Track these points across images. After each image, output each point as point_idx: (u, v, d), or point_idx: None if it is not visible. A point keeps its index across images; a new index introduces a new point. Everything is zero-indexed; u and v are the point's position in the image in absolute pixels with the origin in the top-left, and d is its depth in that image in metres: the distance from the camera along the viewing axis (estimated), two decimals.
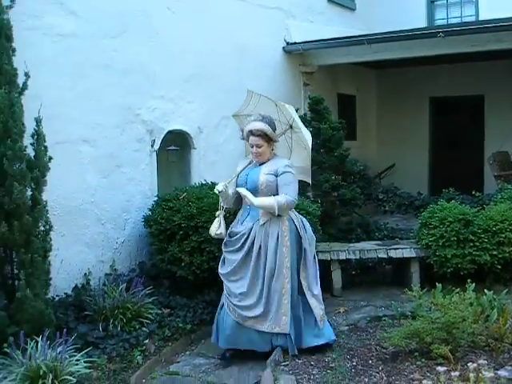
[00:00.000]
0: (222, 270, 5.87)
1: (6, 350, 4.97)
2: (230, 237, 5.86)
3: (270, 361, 5.58)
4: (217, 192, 5.76)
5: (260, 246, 5.64)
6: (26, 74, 5.50)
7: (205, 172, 8.18)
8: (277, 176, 5.66)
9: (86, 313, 6.03)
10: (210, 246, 6.52)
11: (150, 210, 7.06)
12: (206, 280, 6.70)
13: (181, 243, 6.63)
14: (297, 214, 6.01)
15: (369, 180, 11.12)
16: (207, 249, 6.55)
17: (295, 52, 10.03)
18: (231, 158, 8.53)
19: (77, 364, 5.01)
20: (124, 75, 7.06)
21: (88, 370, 5.11)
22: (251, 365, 5.71)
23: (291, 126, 5.99)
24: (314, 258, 6.05)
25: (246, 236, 5.72)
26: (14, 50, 5.44)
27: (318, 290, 5.97)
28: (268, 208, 5.58)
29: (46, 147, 5.47)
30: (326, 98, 9.58)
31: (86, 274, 6.53)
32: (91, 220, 6.70)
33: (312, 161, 8.65)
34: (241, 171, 5.94)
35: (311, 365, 5.59)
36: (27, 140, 5.40)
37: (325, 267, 7.94)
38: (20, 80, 5.45)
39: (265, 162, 5.79)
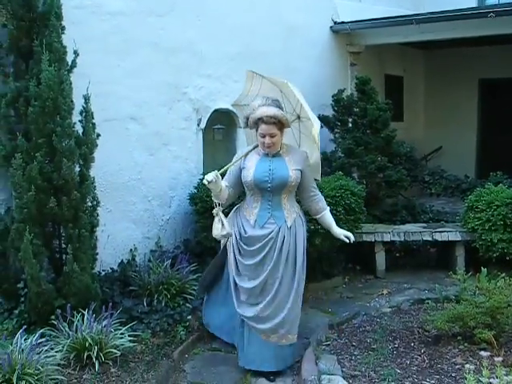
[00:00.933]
0: (243, 283, 5.23)
1: (53, 322, 5.11)
2: (246, 244, 5.20)
3: (312, 340, 5.61)
4: (205, 183, 5.02)
5: (289, 251, 5.15)
6: (75, 52, 5.59)
7: None
8: (302, 170, 5.14)
9: (131, 288, 6.12)
10: None
11: (196, 187, 7.09)
12: None
13: None
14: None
15: (415, 162, 10.98)
16: None
17: (342, 32, 9.91)
18: None
19: (121, 337, 5.13)
20: (171, 54, 7.07)
21: (132, 344, 5.23)
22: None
23: (299, 117, 5.31)
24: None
25: (273, 241, 5.10)
26: (63, 29, 5.53)
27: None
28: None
29: (94, 124, 5.56)
30: (373, 79, 9.47)
31: (131, 249, 6.61)
32: (138, 197, 6.78)
33: (358, 141, 8.69)
34: (238, 160, 5.28)
35: (353, 345, 5.61)
36: (76, 117, 5.49)
37: (369, 249, 7.94)
38: (69, 58, 5.54)
39: (279, 153, 5.14)
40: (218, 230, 5.14)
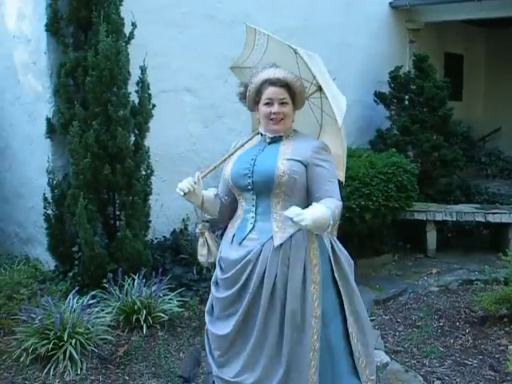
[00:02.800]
0: (213, 327, 3.58)
1: (104, 285, 5.28)
2: (223, 270, 3.52)
3: None
4: (181, 194, 3.48)
5: (275, 283, 3.30)
6: (133, 24, 5.71)
7: None
8: (306, 165, 3.31)
9: (182, 256, 6.23)
10: None
11: None
12: None
13: None
14: None
15: (472, 142, 10.86)
16: None
17: (402, 8, 9.77)
18: None
19: (169, 303, 5.29)
20: (228, 26, 7.10)
21: (180, 309, 5.37)
22: None
23: (320, 88, 3.45)
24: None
25: (251, 265, 3.34)
26: (121, 0, 5.64)
27: (370, 336, 3.69)
28: (320, 225, 3.01)
29: (149, 95, 5.68)
30: (432, 57, 9.36)
31: (184, 219, 6.71)
32: (192, 168, 6.84)
33: (414, 119, 8.60)
34: (227, 157, 3.61)
35: (397, 322, 5.66)
36: (133, 87, 5.62)
37: (420, 227, 7.90)
38: (127, 30, 5.65)
39: (281, 139, 3.44)
40: (202, 257, 3.66)
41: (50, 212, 5.73)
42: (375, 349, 4.81)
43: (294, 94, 3.39)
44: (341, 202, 3.25)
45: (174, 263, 6.17)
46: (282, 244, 3.29)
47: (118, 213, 5.66)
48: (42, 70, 5.96)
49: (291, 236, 3.30)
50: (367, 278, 6.98)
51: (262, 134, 3.50)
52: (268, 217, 3.38)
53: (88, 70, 5.30)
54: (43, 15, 5.76)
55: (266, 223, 3.37)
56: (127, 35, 5.65)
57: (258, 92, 3.39)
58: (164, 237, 6.50)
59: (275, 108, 3.34)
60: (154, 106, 5.70)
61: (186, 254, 6.25)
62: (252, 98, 3.45)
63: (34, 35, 5.99)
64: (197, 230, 3.68)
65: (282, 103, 3.35)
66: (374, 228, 7.16)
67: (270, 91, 3.34)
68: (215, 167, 3.64)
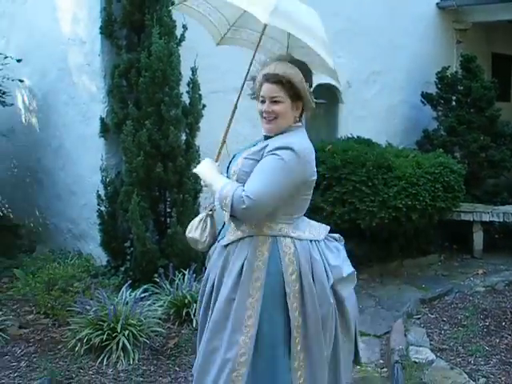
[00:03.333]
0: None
1: (155, 279, 5.44)
2: None
3: (403, 313, 5.72)
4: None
5: (213, 286, 3.14)
6: (184, 26, 5.85)
7: (352, 126, 8.17)
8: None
9: None
10: (351, 198, 6.60)
11: None
12: (347, 230, 6.81)
13: (324, 193, 6.73)
14: (305, 238, 3.07)
15: None
16: (349, 200, 6.62)
17: (449, 8, 9.71)
18: (378, 115, 8.60)
19: None
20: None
21: None
22: (383, 315, 5.86)
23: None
24: (336, 338, 3.12)
25: (207, 262, 3.33)
26: (172, 3, 5.78)
27: None
28: (222, 196, 2.90)
29: (200, 95, 5.82)
30: (480, 57, 9.29)
31: None
32: None
33: (461, 120, 8.56)
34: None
35: (443, 320, 5.69)
36: (184, 88, 5.77)
37: (467, 228, 7.89)
38: (178, 32, 5.81)
39: (272, 138, 3.13)
40: (189, 231, 3.36)
41: (103, 209, 5.92)
42: (420, 346, 4.93)
43: (294, 90, 3.07)
44: (247, 194, 2.80)
45: None
46: (227, 245, 3.07)
47: (168, 210, 5.81)
48: (96, 72, 6.15)
49: (239, 240, 3.02)
50: (413, 278, 7.03)
51: None
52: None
53: (141, 71, 5.47)
54: (98, 18, 5.97)
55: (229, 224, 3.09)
56: (178, 37, 5.81)
57: (259, 88, 3.15)
58: None
59: (266, 106, 3.09)
60: (204, 106, 5.84)
61: None
62: (257, 95, 3.21)
63: (89, 38, 6.20)
64: (206, 208, 3.39)
65: (275, 101, 3.07)
66: (420, 228, 7.18)
67: (264, 88, 3.10)
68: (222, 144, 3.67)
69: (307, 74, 3.17)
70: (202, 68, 5.91)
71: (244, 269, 2.96)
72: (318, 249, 3.08)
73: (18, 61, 7.29)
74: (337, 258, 3.15)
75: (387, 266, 7.21)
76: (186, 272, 5.42)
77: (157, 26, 5.47)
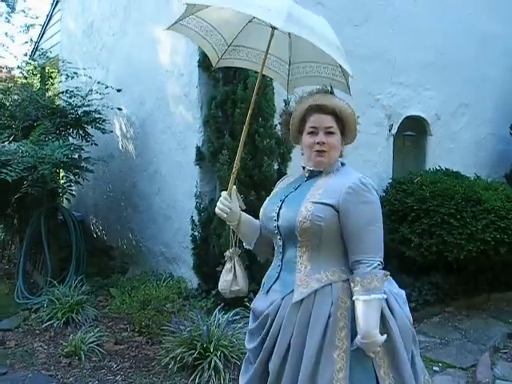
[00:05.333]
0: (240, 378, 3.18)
1: (246, 303, 5.58)
2: (252, 319, 3.17)
3: (489, 346, 5.69)
4: (223, 216, 3.15)
5: (289, 345, 2.82)
6: None
7: (440, 159, 8.19)
8: (338, 210, 2.77)
9: None
10: (439, 230, 6.59)
11: (384, 191, 7.34)
12: (434, 262, 6.84)
13: (412, 225, 6.77)
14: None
15: None
16: (437, 232, 6.61)
17: None
18: (466, 147, 8.57)
19: None
20: (366, 61, 7.32)
21: None
22: (469, 348, 5.84)
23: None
24: (414, 365, 3.00)
25: (269, 321, 2.94)
26: None
27: None
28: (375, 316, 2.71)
29: None
30: None
31: None
32: None
33: None
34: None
35: None
36: (277, 120, 5.96)
37: None
38: None
39: (320, 174, 2.99)
40: (224, 283, 3.27)
41: (196, 233, 6.14)
42: (507, 380, 4.91)
43: (343, 123, 2.98)
44: (379, 260, 2.74)
45: None
46: (302, 300, 2.81)
47: None
48: (192, 102, 6.41)
49: (316, 291, 2.80)
50: (500, 312, 6.97)
51: (303, 168, 3.08)
52: (293, 267, 2.89)
53: (237, 103, 5.70)
54: (195, 52, 6.25)
55: (290, 274, 2.89)
56: None
57: (302, 120, 3.00)
58: None
59: (320, 137, 2.91)
60: None
61: None
62: (296, 128, 3.05)
63: (187, 70, 6.49)
64: (226, 253, 3.26)
65: (329, 132, 2.92)
66: (508, 262, 7.10)
67: (314, 118, 2.94)
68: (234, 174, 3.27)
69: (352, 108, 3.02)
70: (293, 100, 6.08)
71: (330, 320, 2.75)
72: None
73: (118, 90, 7.70)
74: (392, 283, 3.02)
75: (474, 300, 7.16)
76: None
77: None
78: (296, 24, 2.80)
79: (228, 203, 3.09)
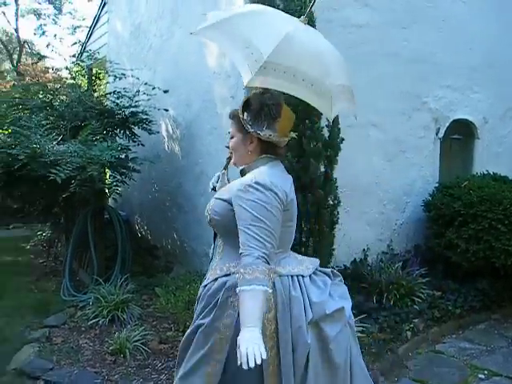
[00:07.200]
0: None
1: None
2: None
3: None
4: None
5: (193, 325, 3.12)
6: None
7: (487, 163, 8.07)
8: (232, 204, 2.95)
9: (363, 285, 6.43)
10: (486, 236, 6.50)
11: (430, 195, 7.26)
12: (480, 268, 6.74)
13: (458, 230, 6.69)
14: (285, 274, 3.03)
15: None
16: (484, 238, 6.52)
17: None
18: None
19: None
20: (412, 64, 7.29)
21: (360, 335, 5.53)
22: None
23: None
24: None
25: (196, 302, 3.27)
26: None
27: None
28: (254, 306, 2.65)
29: (339, 129, 5.96)
30: None
31: (364, 249, 6.91)
32: (374, 200, 7.09)
33: None
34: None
35: None
36: (323, 122, 5.94)
37: None
38: None
39: (244, 171, 3.18)
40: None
41: None
42: None
43: (240, 124, 3.15)
44: (256, 254, 2.73)
45: (354, 291, 6.35)
46: (206, 286, 3.07)
47: (303, 239, 5.96)
48: (239, 104, 6.40)
49: (216, 279, 3.01)
50: None
51: None
52: (216, 256, 3.18)
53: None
54: None
55: (213, 262, 3.18)
56: None
57: None
58: (344, 265, 6.72)
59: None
60: (342, 139, 5.98)
61: (365, 283, 6.44)
62: None
63: (234, 72, 6.49)
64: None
65: (231, 136, 3.24)
66: None
67: None
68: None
69: (258, 104, 3.10)
70: None
71: (216, 310, 2.95)
72: (300, 285, 3.01)
73: (165, 91, 7.76)
74: (322, 294, 3.03)
75: None
76: None
77: None
78: (269, 73, 2.89)
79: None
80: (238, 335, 2.60)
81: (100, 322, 6.08)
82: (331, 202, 5.90)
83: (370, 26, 6.93)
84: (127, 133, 7.96)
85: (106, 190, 7.68)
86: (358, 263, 6.78)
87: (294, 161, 5.63)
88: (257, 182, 2.88)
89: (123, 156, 7.21)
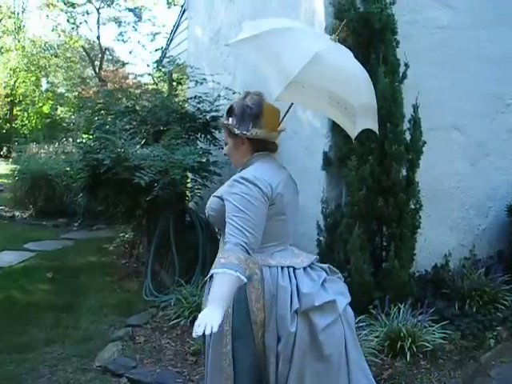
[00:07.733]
0: None
1: (371, 310, 5.57)
2: None
3: None
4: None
5: None
6: (406, 65, 6.00)
7: None
8: (224, 200, 3.12)
9: (444, 291, 6.31)
10: None
11: None
12: None
13: None
14: (274, 265, 3.14)
15: None
16: None
17: None
18: None
19: (433, 334, 5.43)
20: (497, 65, 7.09)
21: (442, 342, 5.48)
22: None
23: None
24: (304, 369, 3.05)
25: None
26: (397, 43, 5.98)
27: None
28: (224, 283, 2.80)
29: (421, 132, 5.92)
30: None
31: (446, 255, 6.77)
32: (456, 204, 6.96)
33: None
34: None
35: None
36: (405, 125, 5.90)
37: None
38: (400, 69, 5.96)
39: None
40: None
41: (321, 239, 6.15)
42: None
43: (229, 130, 3.37)
44: (234, 242, 2.86)
45: (435, 297, 6.27)
46: (211, 277, 3.04)
47: (385, 244, 5.93)
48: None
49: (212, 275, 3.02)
50: None
51: None
52: (219, 252, 3.25)
53: None
54: None
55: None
56: (400, 75, 5.96)
57: None
58: (425, 270, 6.61)
59: None
60: (424, 142, 5.92)
61: (447, 289, 6.34)
62: None
63: None
64: None
65: (225, 144, 3.45)
66: None
67: None
68: None
69: (242, 108, 3.28)
70: (422, 105, 6.01)
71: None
72: (290, 275, 3.11)
73: None
74: (314, 286, 3.12)
75: None
76: (402, 306, 5.51)
77: (382, 64, 5.66)
78: (298, 90, 3.06)
79: None
80: (234, 328, 2.99)
81: (181, 323, 6.20)
82: (413, 206, 5.85)
83: (454, 27, 6.81)
84: (208, 137, 8.08)
85: (188, 193, 7.79)
86: (440, 268, 6.66)
87: (376, 164, 5.62)
88: (241, 177, 3.08)
89: (204, 160, 7.33)
